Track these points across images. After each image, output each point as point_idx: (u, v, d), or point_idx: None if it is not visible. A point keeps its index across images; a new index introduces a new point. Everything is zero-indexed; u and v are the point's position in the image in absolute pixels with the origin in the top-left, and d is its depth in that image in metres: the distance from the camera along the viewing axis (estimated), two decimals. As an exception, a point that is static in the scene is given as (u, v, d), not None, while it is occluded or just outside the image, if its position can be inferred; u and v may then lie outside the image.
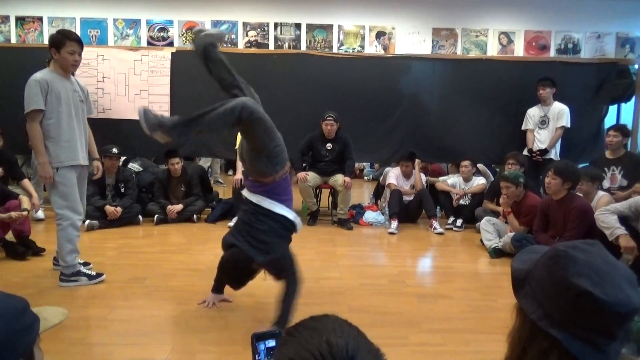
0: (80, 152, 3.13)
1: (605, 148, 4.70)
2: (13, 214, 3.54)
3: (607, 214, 3.27)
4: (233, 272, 2.45)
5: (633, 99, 5.65)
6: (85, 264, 3.28)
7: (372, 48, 5.58)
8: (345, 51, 5.56)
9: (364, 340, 0.67)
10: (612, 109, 5.93)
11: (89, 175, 3.39)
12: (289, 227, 2.51)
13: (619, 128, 4.62)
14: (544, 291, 0.83)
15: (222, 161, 7.93)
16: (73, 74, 3.20)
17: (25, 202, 3.70)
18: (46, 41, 5.34)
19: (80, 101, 3.16)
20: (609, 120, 5.90)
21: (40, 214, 4.84)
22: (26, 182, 4.03)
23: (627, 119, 5.89)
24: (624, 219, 3.24)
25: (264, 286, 3.13)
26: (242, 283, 2.46)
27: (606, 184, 4.50)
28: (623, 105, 5.97)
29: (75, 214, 3.10)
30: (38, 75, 2.95)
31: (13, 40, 5.49)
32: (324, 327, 0.67)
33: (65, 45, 2.96)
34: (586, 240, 0.86)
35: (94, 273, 3.16)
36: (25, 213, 3.66)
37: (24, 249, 3.63)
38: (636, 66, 5.59)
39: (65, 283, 3.06)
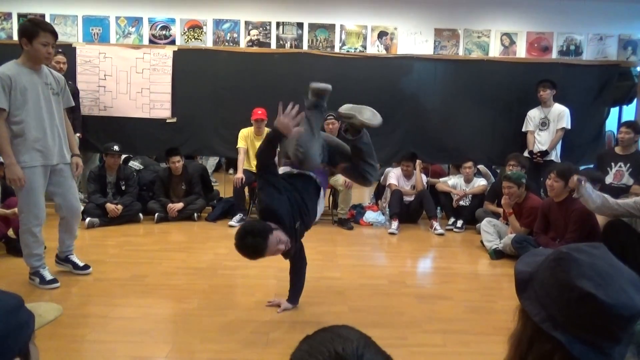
0: (54, 149, 2.91)
1: (618, 135, 4.59)
2: (16, 209, 3.54)
3: (613, 202, 3.19)
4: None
5: (635, 101, 5.65)
6: (85, 267, 3.24)
7: (374, 48, 5.58)
8: (347, 51, 5.55)
9: (374, 344, 0.69)
10: (614, 111, 5.93)
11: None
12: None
13: (631, 124, 4.56)
14: (547, 293, 0.83)
15: (220, 160, 7.92)
16: (49, 65, 2.99)
17: None
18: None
19: (53, 94, 2.91)
20: (611, 122, 5.91)
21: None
22: None
23: (628, 121, 5.89)
24: (625, 225, 3.22)
25: (264, 286, 3.14)
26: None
27: (609, 179, 4.44)
28: (625, 107, 5.97)
29: (34, 219, 2.90)
30: (2, 70, 2.70)
31: (15, 37, 5.49)
32: (337, 330, 0.69)
33: (38, 36, 2.73)
34: (591, 243, 0.86)
35: (49, 277, 2.98)
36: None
37: (24, 246, 3.63)
38: (638, 68, 5.59)
39: (30, 280, 3.02)
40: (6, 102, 2.69)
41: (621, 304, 0.76)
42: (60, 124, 2.96)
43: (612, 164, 4.50)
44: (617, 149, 4.60)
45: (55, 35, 2.82)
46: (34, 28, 2.75)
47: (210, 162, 7.83)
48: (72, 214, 3.13)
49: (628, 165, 4.42)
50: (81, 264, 3.25)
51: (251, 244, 2.25)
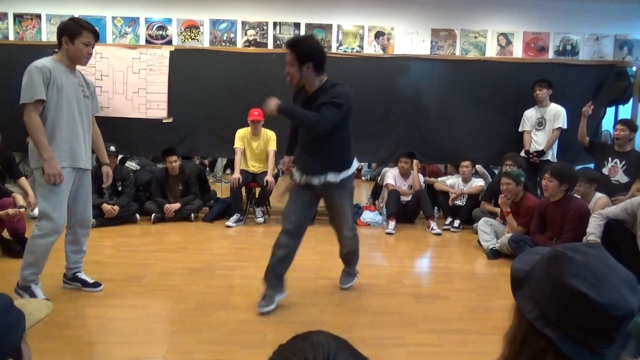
0: (82, 153, 2.81)
1: (614, 133, 4.65)
2: (10, 210, 3.53)
3: (596, 218, 3.29)
4: None
5: (630, 101, 5.67)
6: (96, 284, 3.00)
7: (371, 48, 5.58)
8: (344, 51, 5.55)
9: (348, 347, 0.67)
10: (610, 110, 5.95)
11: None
12: None
13: (626, 122, 4.61)
14: (541, 291, 0.83)
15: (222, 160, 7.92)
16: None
17: (20, 199, 3.69)
18: (45, 38, 5.40)
19: (84, 97, 2.84)
20: (607, 122, 5.93)
21: (37, 212, 4.82)
22: (23, 181, 4.01)
23: (624, 121, 5.91)
24: (619, 224, 3.24)
25: (261, 286, 3.14)
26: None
27: (604, 171, 4.49)
28: (621, 107, 6.00)
29: (52, 225, 2.67)
30: (40, 62, 2.63)
31: (11, 37, 5.47)
32: (309, 336, 0.68)
33: (81, 35, 2.69)
34: (589, 243, 0.86)
35: (41, 296, 2.74)
36: (22, 210, 3.65)
37: (20, 247, 3.61)
38: (634, 68, 5.61)
39: (15, 293, 2.72)
40: (44, 93, 2.60)
41: (613, 303, 0.76)
42: (88, 128, 2.88)
43: (609, 158, 4.54)
44: (615, 146, 4.63)
45: (97, 36, 2.80)
46: (77, 27, 2.70)
47: (219, 164, 7.83)
48: (83, 224, 2.96)
49: (623, 162, 4.46)
50: (91, 280, 3.01)
51: None
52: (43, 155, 2.60)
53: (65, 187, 2.72)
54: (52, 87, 2.63)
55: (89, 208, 2.96)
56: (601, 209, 3.42)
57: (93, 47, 2.78)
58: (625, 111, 5.88)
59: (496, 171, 5.77)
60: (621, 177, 4.44)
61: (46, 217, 2.67)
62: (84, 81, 2.88)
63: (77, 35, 2.69)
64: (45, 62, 2.65)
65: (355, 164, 2.89)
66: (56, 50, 2.77)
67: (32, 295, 2.75)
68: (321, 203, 3.04)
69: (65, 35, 2.69)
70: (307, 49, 2.63)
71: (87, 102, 2.87)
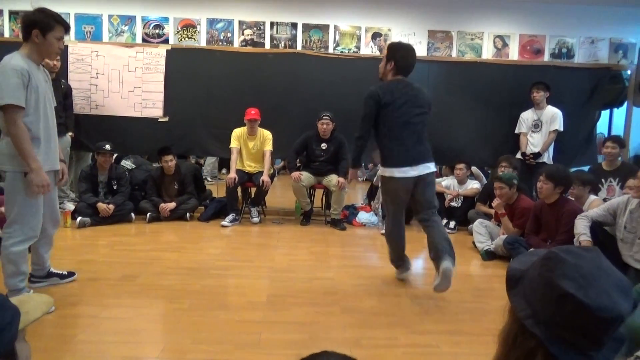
0: (56, 153, 2.70)
1: (600, 155, 4.72)
2: (3, 208, 3.50)
3: (583, 220, 3.32)
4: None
5: (625, 104, 5.70)
6: (70, 273, 3.04)
7: (368, 49, 5.59)
8: (341, 51, 5.56)
9: None
10: (605, 113, 5.99)
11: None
12: None
13: (617, 140, 4.66)
14: (533, 291, 0.84)
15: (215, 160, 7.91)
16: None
17: None
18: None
19: (49, 92, 2.67)
20: (601, 125, 5.96)
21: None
22: None
23: (619, 123, 5.96)
24: (599, 226, 3.28)
25: (256, 286, 3.14)
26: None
27: (602, 194, 4.50)
28: (615, 110, 6.03)
29: (30, 231, 2.57)
30: (15, 62, 2.40)
31: (6, 34, 5.45)
32: (318, 357, 0.68)
33: (54, 30, 2.49)
34: (585, 246, 0.86)
35: (30, 291, 2.69)
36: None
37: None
38: (629, 72, 5.65)
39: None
40: (24, 99, 2.41)
41: (602, 306, 0.76)
42: (55, 125, 2.71)
43: (603, 180, 4.56)
44: (604, 165, 4.67)
45: (68, 31, 2.61)
46: (49, 21, 2.48)
47: (209, 161, 7.82)
48: (55, 224, 2.89)
49: (617, 179, 4.49)
50: (65, 272, 3.03)
51: None
52: (31, 165, 2.43)
53: (47, 192, 2.57)
54: (30, 88, 2.44)
55: (56, 206, 2.87)
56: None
57: (62, 42, 2.61)
58: (619, 114, 5.92)
59: (490, 172, 5.80)
60: (619, 194, 4.47)
61: (21, 224, 2.53)
62: (45, 73, 2.70)
63: (50, 29, 2.49)
64: (18, 61, 2.42)
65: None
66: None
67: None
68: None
69: (36, 28, 2.47)
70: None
71: (51, 97, 2.69)
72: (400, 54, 3.08)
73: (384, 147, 3.11)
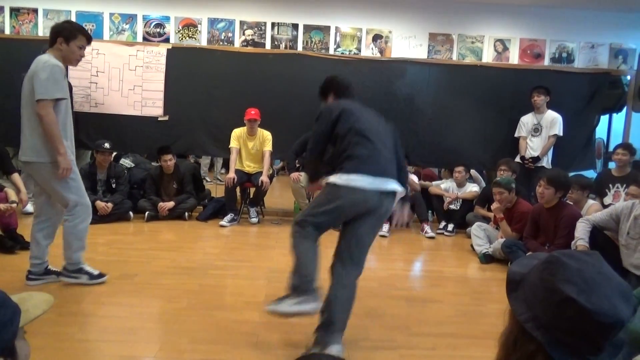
0: (73, 146, 2.96)
1: (598, 160, 4.70)
2: (2, 205, 3.50)
3: (584, 224, 3.32)
4: None
5: (624, 109, 5.72)
6: (57, 273, 3.04)
7: (369, 51, 5.59)
8: (342, 53, 5.56)
9: None
10: (604, 118, 6.00)
11: (91, 176, 3.23)
12: None
13: (627, 147, 4.64)
14: (533, 295, 0.84)
15: (213, 159, 7.90)
16: None
17: (12, 195, 3.66)
18: (41, 33, 5.36)
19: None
20: (601, 130, 5.97)
21: (30, 207, 4.79)
22: (16, 176, 3.98)
23: (618, 128, 5.97)
24: (600, 230, 3.27)
25: (254, 286, 3.13)
26: None
27: (608, 200, 4.49)
28: (614, 115, 6.05)
29: (88, 208, 2.96)
30: (54, 60, 2.74)
31: (7, 31, 5.44)
32: None
33: (76, 39, 2.81)
34: (587, 251, 0.86)
35: (96, 272, 3.01)
36: (14, 205, 3.63)
37: (12, 242, 3.59)
38: (628, 77, 5.66)
39: (66, 278, 2.95)
40: (66, 92, 2.77)
41: (603, 311, 0.76)
42: (72, 122, 2.99)
43: (610, 185, 4.56)
44: (614, 171, 4.66)
45: (90, 41, 2.93)
46: (73, 30, 2.82)
47: (205, 161, 7.81)
48: (61, 211, 3.01)
49: (625, 186, 4.47)
50: (96, 272, 3.06)
51: None
52: (59, 150, 2.72)
53: (79, 176, 2.94)
54: (64, 85, 2.79)
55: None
56: (593, 216, 3.45)
57: (84, 50, 2.90)
58: (619, 119, 5.93)
59: (488, 175, 5.80)
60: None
61: (79, 204, 2.89)
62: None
63: (72, 38, 2.80)
64: (55, 61, 2.75)
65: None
66: (45, 49, 2.83)
67: (90, 273, 2.98)
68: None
69: (61, 36, 2.79)
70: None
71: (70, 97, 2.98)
72: (332, 85, 2.60)
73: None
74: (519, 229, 4.06)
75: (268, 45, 5.55)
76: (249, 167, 5.22)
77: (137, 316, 2.60)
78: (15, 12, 5.41)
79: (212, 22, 5.51)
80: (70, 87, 5.13)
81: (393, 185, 2.26)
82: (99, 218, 4.63)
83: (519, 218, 4.09)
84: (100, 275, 3.02)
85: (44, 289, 2.87)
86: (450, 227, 5.06)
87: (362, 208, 2.22)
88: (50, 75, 2.67)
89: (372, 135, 2.30)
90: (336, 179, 2.24)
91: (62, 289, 2.93)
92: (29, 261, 2.95)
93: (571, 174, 4.60)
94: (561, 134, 5.10)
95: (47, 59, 2.72)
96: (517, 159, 5.21)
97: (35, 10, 5.41)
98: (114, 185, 4.88)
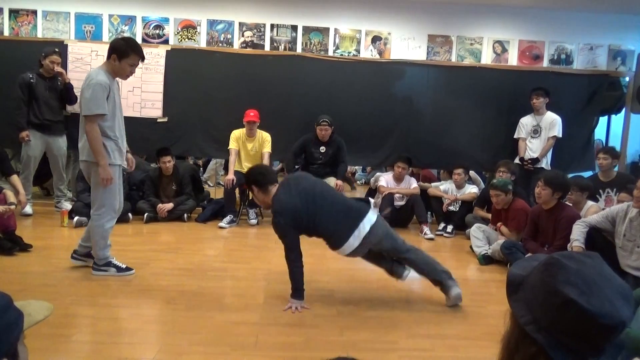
0: (124, 150, 3.22)
1: (597, 162, 4.71)
2: (0, 207, 3.50)
3: (580, 225, 3.32)
4: None
5: (623, 110, 5.73)
6: (128, 268, 3.27)
7: (368, 52, 5.60)
8: (341, 54, 5.57)
9: None
10: (603, 120, 6.01)
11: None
12: None
13: (608, 150, 4.66)
14: (534, 297, 0.84)
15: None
16: None
17: (10, 196, 3.65)
18: (40, 35, 5.37)
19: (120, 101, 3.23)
20: (599, 131, 5.98)
21: (29, 209, 4.79)
22: (15, 178, 3.98)
23: (616, 130, 5.98)
24: (598, 232, 3.28)
25: (253, 287, 3.13)
26: None
27: (600, 205, 4.50)
28: (613, 116, 6.06)
29: (113, 212, 3.18)
30: (101, 78, 2.96)
31: (6, 32, 5.44)
32: None
33: (129, 57, 3.02)
34: (587, 252, 0.86)
35: (124, 266, 3.23)
36: (12, 207, 3.62)
37: (11, 244, 3.58)
38: (627, 78, 5.67)
39: (96, 272, 3.18)
40: (106, 108, 2.98)
41: (604, 313, 0.76)
42: (123, 128, 3.24)
43: (600, 191, 4.57)
44: (600, 175, 4.67)
45: (143, 60, 3.15)
46: (127, 49, 3.03)
47: (211, 166, 7.77)
48: (119, 212, 3.32)
49: (615, 190, 4.49)
50: (124, 265, 3.30)
51: None
52: (100, 162, 2.98)
53: (118, 181, 3.17)
54: (110, 99, 3.00)
55: (121, 196, 3.33)
56: (592, 217, 3.46)
57: (136, 67, 3.14)
58: (617, 121, 5.94)
59: (487, 176, 5.80)
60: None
61: (107, 206, 3.12)
62: (117, 84, 3.23)
63: (125, 56, 3.02)
64: (102, 77, 2.96)
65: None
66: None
67: (118, 266, 3.21)
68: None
69: (115, 54, 3.01)
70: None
71: (120, 104, 3.22)
72: (259, 178, 3.06)
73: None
74: (515, 226, 4.06)
75: (267, 47, 5.55)
76: (248, 168, 5.21)
77: (136, 318, 2.59)
78: (14, 13, 5.41)
79: (211, 23, 5.52)
80: (71, 87, 5.13)
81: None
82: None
83: (514, 215, 4.10)
84: (128, 269, 3.24)
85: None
86: (450, 228, 5.06)
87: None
88: (92, 94, 2.91)
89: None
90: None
91: (60, 290, 2.92)
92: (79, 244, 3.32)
93: (570, 175, 4.61)
94: (560, 135, 5.11)
95: (93, 76, 2.95)
96: (517, 161, 5.22)
97: (35, 12, 5.41)
98: (113, 187, 4.87)
